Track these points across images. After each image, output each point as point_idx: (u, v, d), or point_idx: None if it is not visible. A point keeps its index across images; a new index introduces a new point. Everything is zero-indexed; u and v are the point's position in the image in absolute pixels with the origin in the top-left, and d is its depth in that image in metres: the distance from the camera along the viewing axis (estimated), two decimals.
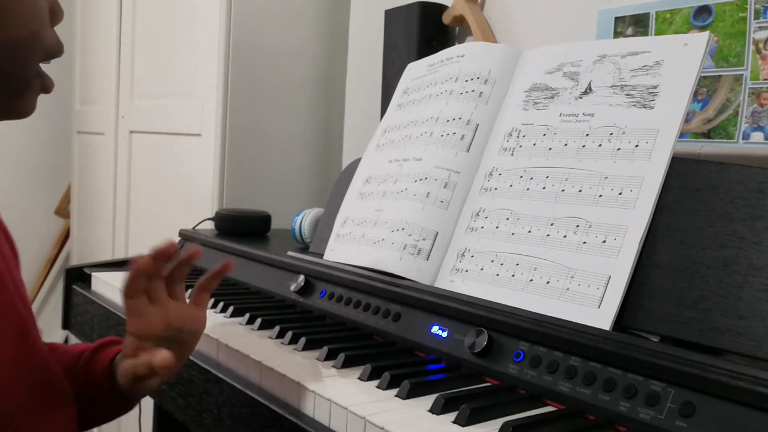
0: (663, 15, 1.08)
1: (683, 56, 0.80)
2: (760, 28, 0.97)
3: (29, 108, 0.64)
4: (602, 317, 0.73)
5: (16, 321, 0.69)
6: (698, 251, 0.70)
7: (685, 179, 0.74)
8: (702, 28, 1.03)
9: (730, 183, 0.71)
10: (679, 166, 0.76)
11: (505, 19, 1.46)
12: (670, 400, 0.63)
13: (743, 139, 0.99)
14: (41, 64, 0.64)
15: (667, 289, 0.70)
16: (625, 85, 0.84)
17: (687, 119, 1.06)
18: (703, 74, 1.03)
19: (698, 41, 0.80)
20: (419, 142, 1.05)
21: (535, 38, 1.37)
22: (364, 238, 1.04)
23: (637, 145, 0.80)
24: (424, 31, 1.54)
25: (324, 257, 1.11)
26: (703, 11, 1.03)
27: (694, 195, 0.73)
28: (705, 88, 1.03)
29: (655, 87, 0.81)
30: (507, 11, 1.46)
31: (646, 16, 1.10)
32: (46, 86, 0.65)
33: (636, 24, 1.10)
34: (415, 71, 1.18)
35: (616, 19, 1.14)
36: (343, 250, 1.08)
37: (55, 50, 0.63)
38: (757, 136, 0.98)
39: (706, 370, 0.61)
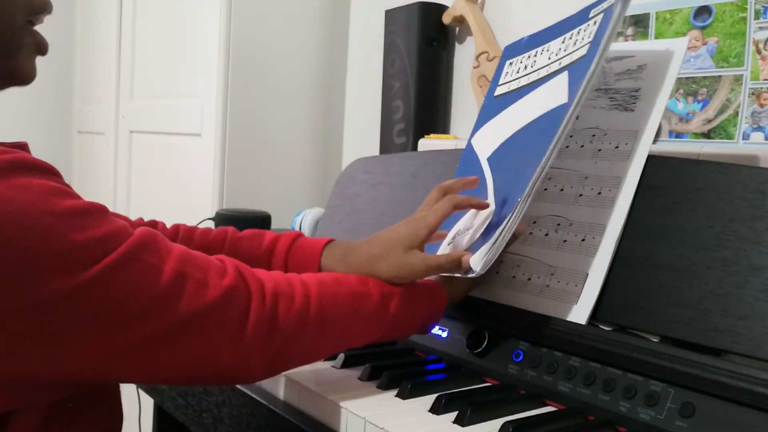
0: (663, 15, 1.08)
1: (664, 61, 0.82)
2: (760, 29, 0.97)
3: (28, 72, 0.61)
4: (579, 313, 0.75)
5: None
6: (698, 251, 0.70)
7: (685, 179, 0.74)
8: (702, 29, 1.03)
9: (730, 183, 0.71)
10: (679, 166, 0.76)
11: (505, 19, 1.46)
12: (670, 400, 0.63)
13: (743, 139, 0.99)
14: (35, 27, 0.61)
15: (667, 289, 0.70)
16: (609, 89, 0.86)
17: (687, 119, 1.06)
18: (703, 74, 1.03)
19: (679, 46, 0.82)
20: None
21: None
22: None
23: (617, 147, 0.81)
24: (424, 31, 1.54)
25: None
26: (703, 11, 1.03)
27: (694, 195, 0.73)
28: (705, 88, 1.03)
29: (636, 90, 0.83)
30: (507, 11, 1.46)
31: (646, 16, 1.09)
32: (40, 46, 0.61)
33: (636, 24, 1.10)
34: None
35: None
36: None
37: (39, 5, 0.59)
38: (757, 136, 0.98)
39: (706, 370, 0.61)
